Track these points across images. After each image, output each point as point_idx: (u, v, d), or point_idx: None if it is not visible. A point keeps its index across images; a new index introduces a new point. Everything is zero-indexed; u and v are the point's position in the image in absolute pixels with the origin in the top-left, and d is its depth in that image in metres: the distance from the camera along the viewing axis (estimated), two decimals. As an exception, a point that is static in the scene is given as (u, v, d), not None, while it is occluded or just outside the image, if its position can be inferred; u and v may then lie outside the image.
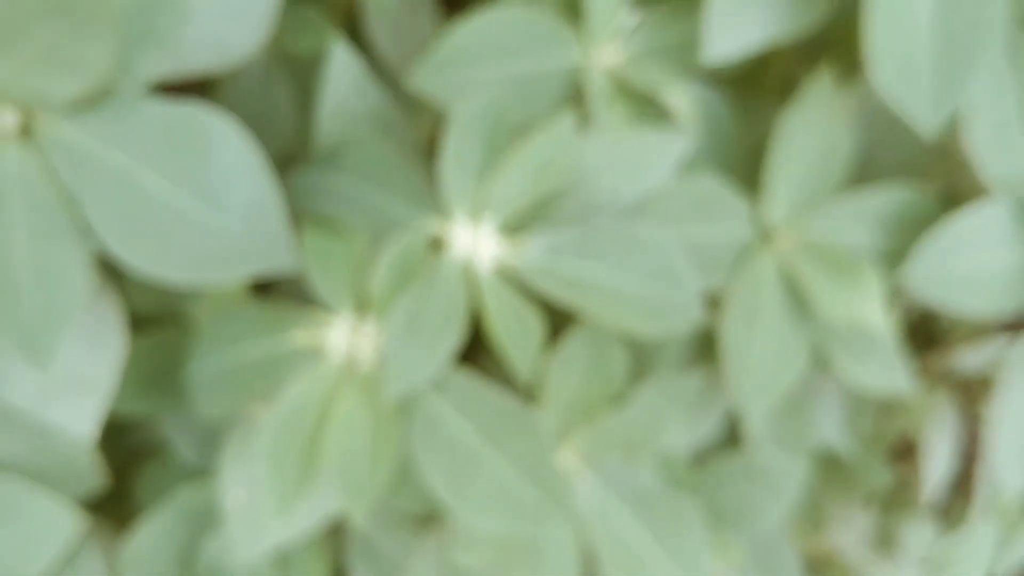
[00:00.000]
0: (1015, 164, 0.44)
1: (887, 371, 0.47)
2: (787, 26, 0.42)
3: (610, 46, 0.44)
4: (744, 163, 0.46)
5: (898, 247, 0.46)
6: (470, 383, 0.38)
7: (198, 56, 0.36)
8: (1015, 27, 0.43)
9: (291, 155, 0.48)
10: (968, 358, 0.61)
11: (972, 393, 0.66)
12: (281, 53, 0.48)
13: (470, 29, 0.41)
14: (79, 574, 0.43)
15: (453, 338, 0.37)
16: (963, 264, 0.44)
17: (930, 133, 0.40)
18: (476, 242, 0.38)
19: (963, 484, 0.68)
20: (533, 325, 0.38)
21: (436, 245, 0.38)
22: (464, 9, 0.49)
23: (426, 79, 0.41)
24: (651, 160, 0.41)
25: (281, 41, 0.47)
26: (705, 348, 0.48)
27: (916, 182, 0.47)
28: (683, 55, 0.44)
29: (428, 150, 0.45)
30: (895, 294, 0.54)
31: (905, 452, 0.69)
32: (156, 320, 0.44)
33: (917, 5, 0.39)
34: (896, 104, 0.40)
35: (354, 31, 0.47)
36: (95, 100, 0.34)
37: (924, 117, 0.40)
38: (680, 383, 0.46)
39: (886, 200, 0.46)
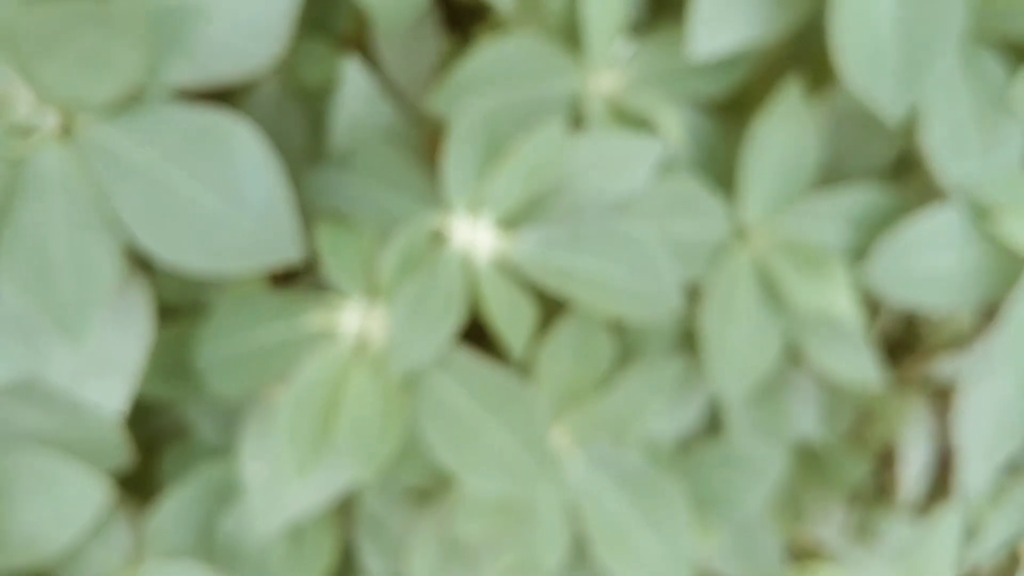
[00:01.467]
0: (969, 167, 0.47)
1: (857, 359, 0.50)
2: (768, 27, 0.45)
3: (607, 74, 0.47)
4: (730, 180, 0.50)
5: (865, 244, 0.49)
6: (470, 361, 0.42)
7: (220, 66, 0.39)
8: (971, 40, 0.47)
9: (300, 177, 0.52)
10: (945, 365, 0.64)
11: (949, 398, 0.68)
12: (293, 84, 0.52)
13: (479, 58, 0.45)
14: (107, 543, 0.47)
15: (454, 321, 0.41)
16: (920, 263, 0.47)
17: (895, 118, 0.44)
18: (474, 235, 0.42)
19: (942, 486, 0.71)
20: (526, 310, 0.42)
21: (438, 238, 0.42)
22: (466, 31, 0.53)
23: (441, 103, 0.45)
24: (633, 162, 0.44)
25: (291, 71, 0.51)
26: (686, 340, 0.51)
27: (883, 183, 0.50)
28: (675, 83, 0.48)
29: (431, 157, 0.49)
30: (876, 305, 0.57)
31: (890, 458, 0.71)
32: (182, 311, 0.48)
33: (881, 8, 0.43)
34: (864, 95, 0.43)
35: (365, 54, 0.52)
36: (128, 105, 0.37)
37: (889, 107, 0.43)
38: (663, 369, 0.49)
39: (853, 200, 0.49)
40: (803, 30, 0.47)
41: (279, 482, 0.43)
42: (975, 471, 0.54)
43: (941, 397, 0.68)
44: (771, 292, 0.49)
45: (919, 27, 0.43)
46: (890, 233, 0.47)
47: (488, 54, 0.45)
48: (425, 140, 0.51)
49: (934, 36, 0.43)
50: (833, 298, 0.48)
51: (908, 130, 0.48)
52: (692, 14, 0.45)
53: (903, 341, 0.67)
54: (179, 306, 0.48)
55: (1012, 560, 0.74)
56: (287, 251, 0.39)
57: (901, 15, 0.43)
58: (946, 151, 0.48)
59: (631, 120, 0.47)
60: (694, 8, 0.45)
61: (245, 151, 0.38)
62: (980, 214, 0.48)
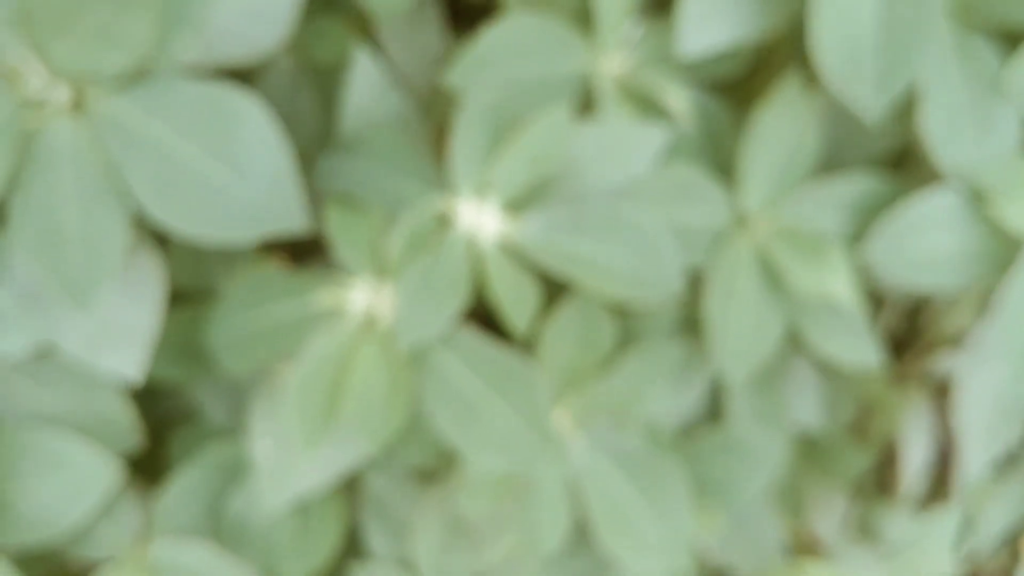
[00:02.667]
0: (965, 152, 0.48)
1: (857, 344, 0.51)
2: (756, 26, 0.46)
3: (617, 54, 0.48)
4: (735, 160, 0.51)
5: (863, 232, 0.49)
6: (474, 339, 0.43)
7: (226, 49, 0.40)
8: (963, 26, 0.48)
9: (312, 155, 0.52)
10: (946, 361, 0.65)
11: (950, 394, 0.69)
12: (304, 62, 0.53)
13: (492, 35, 0.46)
14: (116, 522, 0.47)
15: (459, 300, 0.42)
16: (918, 245, 0.48)
17: (874, 117, 0.44)
18: (480, 218, 0.43)
19: (942, 482, 0.71)
20: (530, 292, 0.43)
21: (444, 220, 0.43)
22: (469, 22, 0.54)
23: (457, 78, 0.45)
24: (637, 149, 0.45)
25: (304, 50, 0.52)
26: (687, 325, 0.52)
27: (881, 171, 0.51)
28: (684, 64, 0.49)
29: (437, 144, 0.50)
30: (879, 300, 0.58)
31: (891, 454, 0.72)
32: (192, 295, 0.49)
33: (860, 11, 0.43)
34: (843, 95, 0.44)
35: (369, 40, 0.52)
36: (138, 78, 0.38)
37: (868, 102, 0.44)
38: (665, 353, 0.50)
39: (852, 188, 0.50)
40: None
41: (287, 459, 0.44)
42: (973, 459, 0.54)
43: (942, 393, 0.68)
44: (772, 278, 0.50)
45: (898, 30, 0.44)
46: (889, 215, 0.48)
47: (501, 31, 0.46)
48: (431, 128, 0.51)
49: (913, 39, 0.44)
50: (833, 284, 0.48)
51: (905, 118, 0.49)
52: (679, 12, 0.45)
53: (905, 337, 0.68)
54: (189, 290, 0.49)
55: (1012, 556, 0.74)
56: (293, 221, 0.40)
57: (880, 18, 0.44)
58: (942, 137, 0.48)
59: (640, 100, 0.48)
60: (681, 7, 0.45)
61: (252, 124, 0.39)
62: (977, 198, 0.49)
